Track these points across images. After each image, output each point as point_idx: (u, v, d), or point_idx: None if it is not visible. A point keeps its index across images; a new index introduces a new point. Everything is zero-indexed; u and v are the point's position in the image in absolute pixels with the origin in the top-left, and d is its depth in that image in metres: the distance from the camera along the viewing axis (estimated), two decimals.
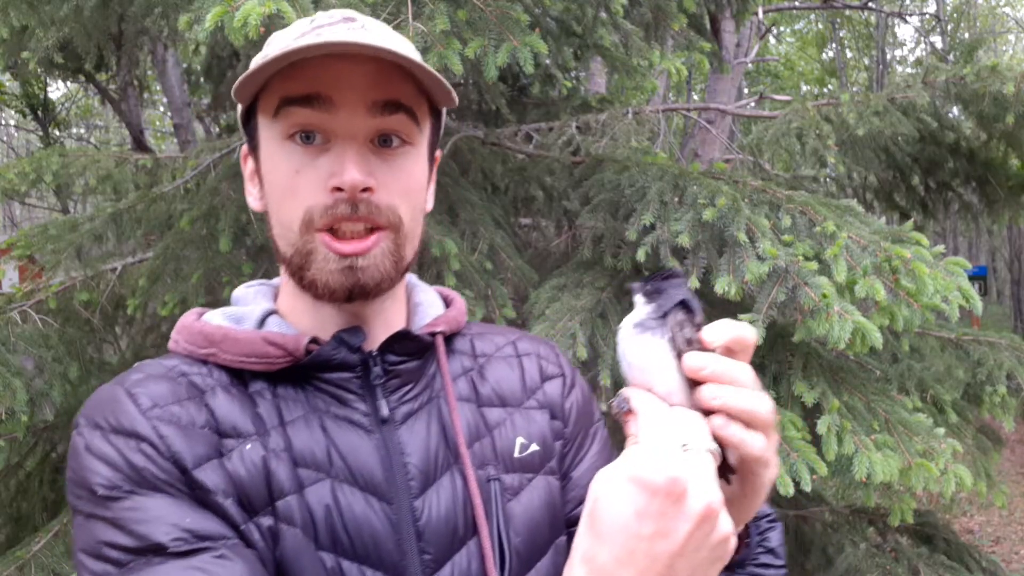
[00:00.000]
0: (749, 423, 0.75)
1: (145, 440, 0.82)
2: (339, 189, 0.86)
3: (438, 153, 1.04)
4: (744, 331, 0.78)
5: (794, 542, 3.74)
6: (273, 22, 1.93)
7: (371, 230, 0.89)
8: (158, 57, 6.38)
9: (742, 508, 0.82)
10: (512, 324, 2.82)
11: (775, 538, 0.92)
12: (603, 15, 3.22)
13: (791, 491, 2.24)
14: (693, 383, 0.76)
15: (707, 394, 0.74)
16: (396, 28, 2.19)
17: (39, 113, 9.98)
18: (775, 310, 2.37)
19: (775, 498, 3.75)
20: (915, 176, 4.08)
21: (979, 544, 6.66)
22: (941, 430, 2.57)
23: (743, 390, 0.75)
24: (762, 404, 0.76)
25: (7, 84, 9.80)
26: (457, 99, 0.95)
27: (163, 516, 0.79)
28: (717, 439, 0.74)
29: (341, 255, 0.88)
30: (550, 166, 3.40)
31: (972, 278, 2.97)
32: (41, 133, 10.48)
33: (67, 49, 4.05)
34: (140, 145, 7.53)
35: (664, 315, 0.79)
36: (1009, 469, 9.02)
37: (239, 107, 0.95)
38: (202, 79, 5.47)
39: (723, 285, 2.38)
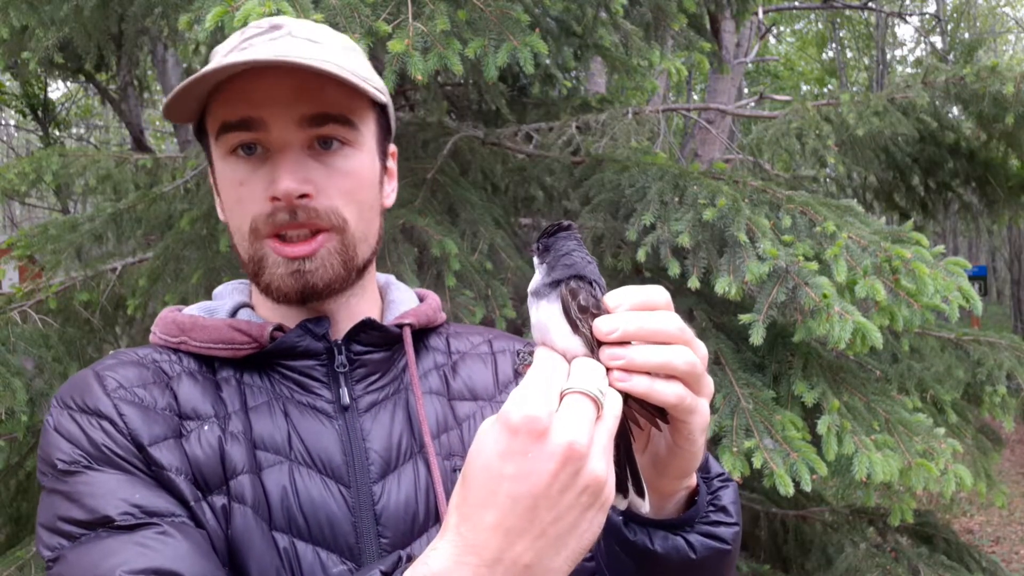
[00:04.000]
0: (667, 375, 0.72)
1: (106, 418, 0.87)
2: (276, 199, 0.91)
3: (393, 149, 1.07)
4: (650, 294, 0.75)
5: (794, 542, 3.74)
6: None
7: (316, 232, 0.94)
8: (158, 57, 6.38)
9: (675, 456, 0.80)
10: (512, 324, 2.82)
11: (727, 496, 0.90)
12: (603, 15, 3.22)
13: (791, 491, 2.23)
14: (597, 343, 0.73)
15: (607, 356, 0.71)
16: (396, 28, 2.18)
17: (39, 113, 9.98)
18: (775, 310, 2.37)
19: (775, 498, 3.76)
20: (915, 176, 4.08)
21: (979, 544, 6.66)
22: (941, 430, 2.57)
23: (652, 347, 0.71)
24: (677, 356, 0.72)
25: (7, 84, 9.80)
26: (383, 97, 0.97)
27: (115, 491, 0.82)
28: (625, 392, 0.71)
29: (288, 258, 0.93)
30: (550, 166, 3.40)
31: (972, 278, 2.97)
32: (41, 133, 10.48)
33: (67, 49, 4.04)
34: (140, 145, 7.53)
35: (556, 282, 0.76)
36: (1009, 469, 9.02)
37: (190, 126, 1.00)
38: None
39: (723, 285, 2.38)
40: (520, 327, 2.86)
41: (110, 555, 0.78)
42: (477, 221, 3.07)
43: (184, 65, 6.59)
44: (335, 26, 2.10)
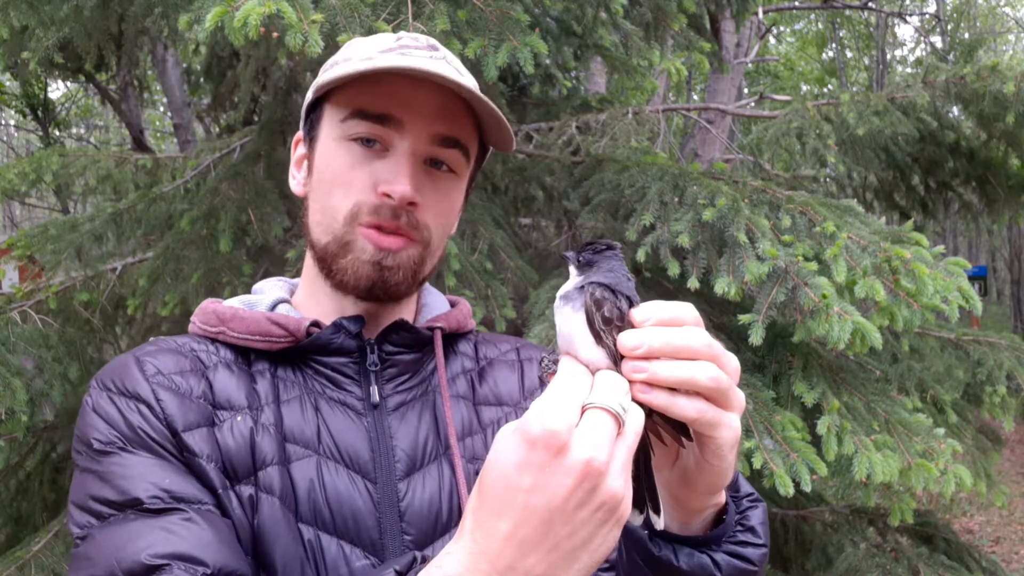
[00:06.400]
0: (689, 391, 0.71)
1: (144, 402, 0.89)
2: (388, 196, 0.95)
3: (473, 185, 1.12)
4: (678, 310, 0.74)
5: (794, 542, 3.74)
6: (273, 22, 1.93)
7: (409, 240, 0.98)
8: (158, 57, 6.37)
9: (704, 472, 0.79)
10: (512, 324, 2.82)
11: (756, 516, 0.89)
12: (603, 15, 3.22)
13: (791, 491, 2.23)
14: (622, 355, 0.72)
15: (630, 368, 0.71)
16: (396, 28, 2.19)
17: (39, 113, 9.99)
18: (775, 310, 2.37)
19: (776, 498, 3.76)
20: (915, 176, 4.08)
21: (979, 544, 6.66)
22: (941, 430, 2.57)
23: (676, 362, 0.71)
24: (701, 371, 0.71)
25: (7, 84, 9.80)
26: (512, 145, 1.04)
27: (146, 474, 0.85)
28: (646, 405, 0.71)
29: (377, 247, 0.96)
30: (550, 166, 3.40)
31: (972, 278, 2.97)
32: (41, 133, 10.48)
33: (67, 49, 4.04)
34: (140, 145, 7.53)
35: (583, 288, 0.76)
36: (1009, 469, 9.02)
37: (309, 96, 1.03)
38: (202, 79, 5.47)
39: (723, 285, 2.38)
40: (520, 327, 2.86)
41: (136, 538, 0.80)
42: (477, 221, 3.07)
43: (184, 65, 6.59)
44: (335, 26, 2.11)
